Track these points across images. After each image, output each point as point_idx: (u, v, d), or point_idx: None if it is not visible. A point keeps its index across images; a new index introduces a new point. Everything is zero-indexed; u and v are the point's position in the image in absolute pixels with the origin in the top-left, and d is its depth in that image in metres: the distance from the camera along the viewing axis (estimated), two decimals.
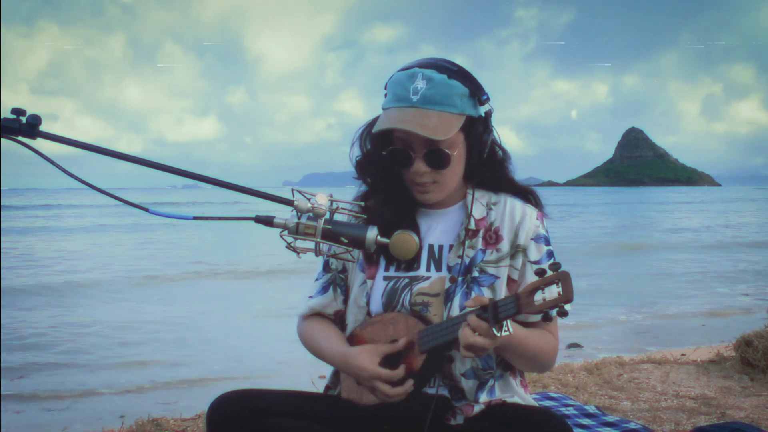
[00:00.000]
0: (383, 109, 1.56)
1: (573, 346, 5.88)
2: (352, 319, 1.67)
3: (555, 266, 1.30)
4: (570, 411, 2.81)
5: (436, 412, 1.51)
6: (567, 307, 1.32)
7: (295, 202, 1.27)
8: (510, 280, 1.59)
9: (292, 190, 1.32)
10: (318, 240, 1.28)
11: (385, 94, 1.57)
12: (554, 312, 1.32)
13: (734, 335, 4.00)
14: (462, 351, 1.40)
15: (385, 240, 1.35)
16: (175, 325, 7.16)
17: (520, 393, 1.62)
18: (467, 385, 1.56)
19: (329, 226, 1.29)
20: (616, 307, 8.38)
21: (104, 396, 4.79)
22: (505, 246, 1.59)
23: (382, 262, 1.63)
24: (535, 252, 1.59)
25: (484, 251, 1.58)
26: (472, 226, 1.59)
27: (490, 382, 1.58)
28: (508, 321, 1.35)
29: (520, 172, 1.70)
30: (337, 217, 1.33)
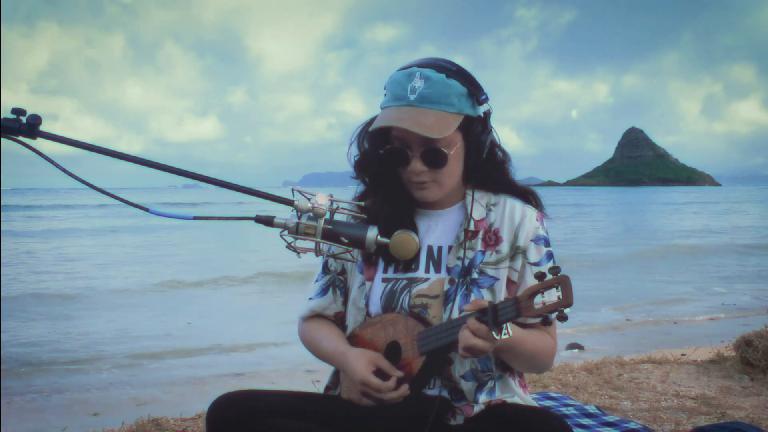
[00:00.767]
0: (381, 108, 1.56)
1: (574, 346, 5.87)
2: (352, 320, 1.67)
3: (555, 270, 1.30)
4: (570, 411, 2.81)
5: (436, 413, 1.51)
6: (566, 311, 1.31)
7: (295, 202, 1.27)
8: (509, 282, 1.58)
9: (292, 190, 1.32)
10: (318, 240, 1.28)
11: (385, 94, 1.57)
12: (554, 316, 1.32)
13: (734, 335, 4.00)
14: (461, 352, 1.40)
15: (385, 240, 1.35)
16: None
17: (519, 393, 1.62)
18: (466, 386, 1.56)
19: (329, 226, 1.29)
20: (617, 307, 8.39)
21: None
22: (504, 247, 1.59)
23: (381, 264, 1.63)
24: (534, 253, 1.59)
25: (483, 253, 1.58)
26: (472, 227, 1.59)
27: (490, 384, 1.58)
28: (508, 324, 1.35)
29: (521, 172, 1.70)
30: (337, 217, 1.33)
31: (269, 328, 7.04)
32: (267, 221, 1.27)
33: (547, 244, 1.61)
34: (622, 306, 8.52)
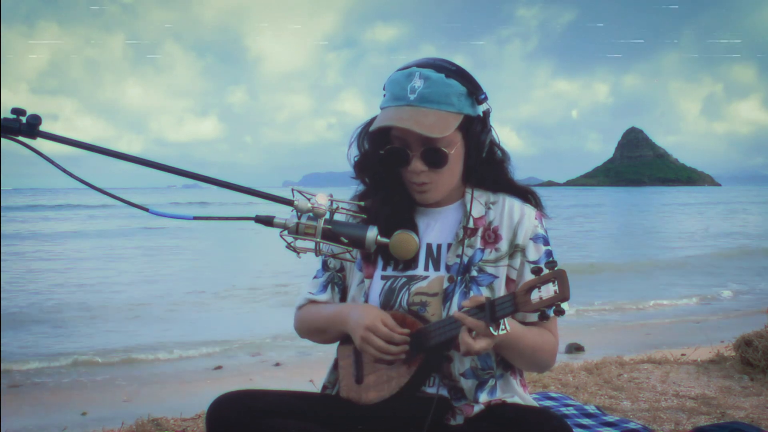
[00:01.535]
0: (381, 108, 1.56)
1: (574, 347, 5.87)
2: None
3: (551, 264, 1.31)
4: (570, 411, 2.81)
5: (435, 413, 1.51)
6: (564, 305, 1.32)
7: (295, 202, 1.27)
8: (509, 280, 1.58)
9: (292, 190, 1.32)
10: (318, 240, 1.28)
11: (384, 95, 1.57)
12: (551, 310, 1.32)
13: (734, 335, 4.00)
14: (462, 349, 1.40)
15: (385, 240, 1.35)
16: None
17: (520, 393, 1.62)
18: (466, 384, 1.56)
19: (329, 226, 1.29)
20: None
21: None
22: (503, 245, 1.59)
23: (380, 262, 1.63)
24: (533, 252, 1.59)
25: (482, 250, 1.58)
26: (471, 225, 1.59)
27: (491, 382, 1.58)
28: (506, 319, 1.36)
29: (521, 172, 1.70)
30: (337, 217, 1.33)
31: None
32: (267, 221, 1.27)
33: (546, 242, 1.61)
34: (622, 306, 8.52)
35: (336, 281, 1.71)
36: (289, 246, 1.30)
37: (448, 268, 1.58)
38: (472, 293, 1.54)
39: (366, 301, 1.63)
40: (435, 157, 1.51)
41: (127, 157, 1.20)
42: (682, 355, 4.39)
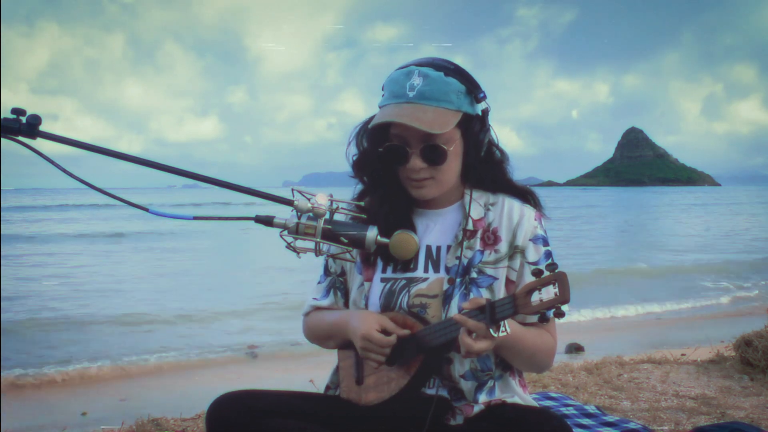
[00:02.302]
0: (380, 107, 1.56)
1: (573, 347, 5.86)
2: None
3: (552, 267, 1.31)
4: (570, 411, 2.81)
5: (435, 413, 1.51)
6: (564, 307, 1.32)
7: (295, 202, 1.27)
8: (508, 281, 1.58)
9: (292, 190, 1.32)
10: (318, 240, 1.28)
11: (383, 94, 1.57)
12: (551, 313, 1.32)
13: (734, 335, 4.00)
14: (462, 350, 1.40)
15: (385, 240, 1.35)
16: None
17: (519, 393, 1.62)
18: (466, 386, 1.56)
19: (329, 226, 1.29)
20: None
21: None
22: (503, 247, 1.58)
23: (380, 264, 1.63)
24: (533, 253, 1.59)
25: (482, 252, 1.58)
26: (470, 226, 1.59)
27: (490, 383, 1.58)
28: (506, 321, 1.36)
29: (521, 172, 1.70)
30: (337, 217, 1.33)
31: None
32: (267, 221, 1.27)
33: (545, 243, 1.61)
34: (622, 305, 8.52)
35: (338, 285, 1.72)
36: (289, 246, 1.30)
37: (447, 269, 1.58)
38: (472, 295, 1.54)
39: (366, 303, 1.63)
40: (434, 153, 1.51)
41: (127, 157, 1.20)
42: (682, 355, 4.39)
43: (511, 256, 1.58)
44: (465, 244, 1.58)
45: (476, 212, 1.61)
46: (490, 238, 1.59)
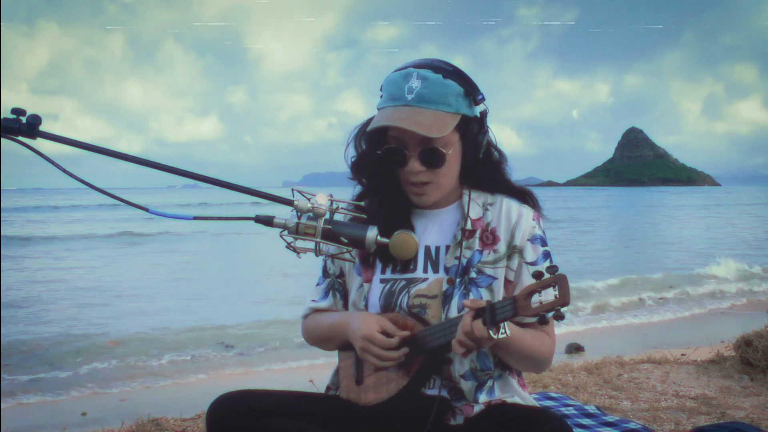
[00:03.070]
0: (378, 109, 1.56)
1: (573, 347, 5.86)
2: None
3: (552, 269, 1.30)
4: (570, 411, 2.81)
5: (435, 413, 1.51)
6: (563, 310, 1.32)
7: (295, 202, 1.27)
8: (507, 281, 1.58)
9: (292, 190, 1.32)
10: (318, 240, 1.28)
11: (381, 95, 1.57)
12: (550, 315, 1.32)
13: (734, 335, 4.01)
14: (456, 347, 1.40)
15: (384, 240, 1.35)
16: None
17: (519, 393, 1.62)
18: (466, 386, 1.56)
19: (329, 226, 1.29)
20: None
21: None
22: (501, 247, 1.59)
23: (379, 265, 1.63)
24: (531, 253, 1.59)
25: (481, 252, 1.58)
26: (469, 226, 1.59)
27: (489, 383, 1.58)
28: (505, 323, 1.35)
29: (521, 172, 1.70)
30: (337, 217, 1.33)
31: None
32: (267, 221, 1.27)
33: (543, 243, 1.61)
34: (623, 305, 8.53)
35: (337, 287, 1.72)
36: (289, 246, 1.30)
37: (446, 270, 1.58)
38: (471, 295, 1.54)
39: (366, 304, 1.63)
40: (432, 157, 1.51)
41: (127, 157, 1.20)
42: (682, 355, 4.39)
43: (509, 256, 1.58)
44: (464, 244, 1.58)
45: (475, 212, 1.61)
46: (489, 238, 1.59)
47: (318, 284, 1.75)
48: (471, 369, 1.56)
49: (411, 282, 1.59)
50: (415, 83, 1.49)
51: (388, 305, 1.59)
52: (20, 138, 1.14)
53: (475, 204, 1.61)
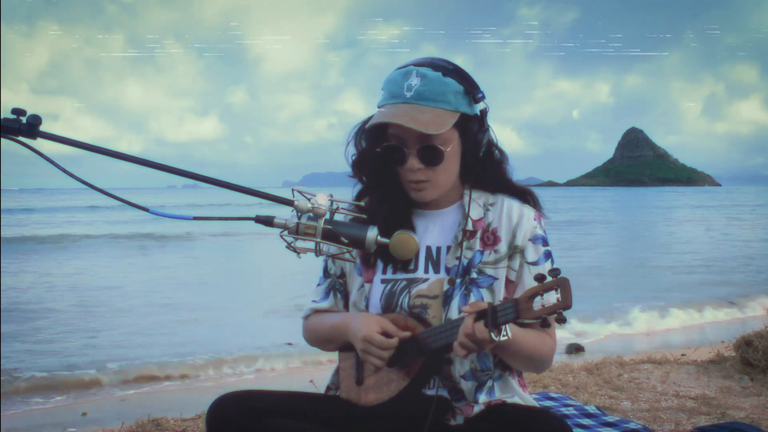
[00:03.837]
0: (378, 107, 1.56)
1: (574, 347, 5.86)
2: None
3: (554, 272, 1.30)
4: (570, 411, 2.81)
5: (435, 413, 1.51)
6: (565, 313, 1.31)
7: (295, 202, 1.27)
8: (508, 282, 1.58)
9: (292, 190, 1.32)
10: (318, 240, 1.28)
11: (382, 94, 1.57)
12: (552, 318, 1.31)
13: (734, 335, 4.01)
14: (457, 349, 1.40)
15: (385, 240, 1.35)
16: None
17: (519, 393, 1.62)
18: (466, 386, 1.56)
19: (329, 226, 1.29)
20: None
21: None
22: (503, 247, 1.58)
23: (380, 265, 1.63)
24: (532, 253, 1.59)
25: (482, 252, 1.58)
26: (470, 227, 1.59)
27: (489, 383, 1.58)
28: (507, 326, 1.35)
29: (521, 172, 1.70)
30: (337, 217, 1.33)
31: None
32: (267, 221, 1.27)
33: (545, 243, 1.60)
34: (622, 305, 8.52)
35: (337, 287, 1.72)
36: (289, 246, 1.30)
37: (447, 270, 1.58)
38: (472, 295, 1.54)
39: (367, 305, 1.63)
40: (431, 154, 1.51)
41: (127, 157, 1.20)
42: (682, 355, 4.39)
43: (510, 256, 1.58)
44: (465, 244, 1.57)
45: (476, 212, 1.61)
46: (490, 239, 1.59)
47: (319, 285, 1.75)
48: (471, 369, 1.56)
49: (412, 282, 1.59)
50: (415, 81, 1.49)
51: (389, 305, 1.59)
52: (20, 138, 1.14)
53: (476, 204, 1.61)
